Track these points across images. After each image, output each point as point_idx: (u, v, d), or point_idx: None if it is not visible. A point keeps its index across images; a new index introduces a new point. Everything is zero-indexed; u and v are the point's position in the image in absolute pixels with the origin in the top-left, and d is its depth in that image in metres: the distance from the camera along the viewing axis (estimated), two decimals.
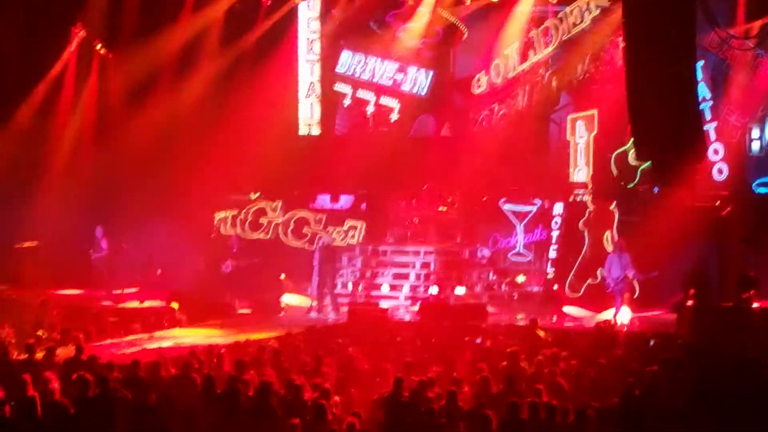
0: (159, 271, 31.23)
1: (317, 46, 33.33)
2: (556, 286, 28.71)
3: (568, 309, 27.62)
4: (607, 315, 26.25)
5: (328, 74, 33.29)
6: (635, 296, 26.84)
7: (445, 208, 30.97)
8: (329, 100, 33.52)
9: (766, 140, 29.74)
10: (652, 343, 21.73)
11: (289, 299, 29.92)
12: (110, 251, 30.67)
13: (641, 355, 19.87)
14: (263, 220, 32.42)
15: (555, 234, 29.70)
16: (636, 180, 29.04)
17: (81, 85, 33.23)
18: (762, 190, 29.45)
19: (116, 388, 15.68)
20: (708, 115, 28.77)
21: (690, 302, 24.06)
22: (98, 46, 33.15)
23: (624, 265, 26.18)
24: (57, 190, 31.50)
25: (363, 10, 32.83)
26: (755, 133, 29.81)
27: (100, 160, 32.28)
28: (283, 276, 30.48)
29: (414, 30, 32.68)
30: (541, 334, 22.42)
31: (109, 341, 23.85)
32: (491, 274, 30.45)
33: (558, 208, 29.84)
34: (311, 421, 14.58)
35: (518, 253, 30.95)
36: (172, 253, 30.94)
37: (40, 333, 23.18)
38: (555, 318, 26.64)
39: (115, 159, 31.77)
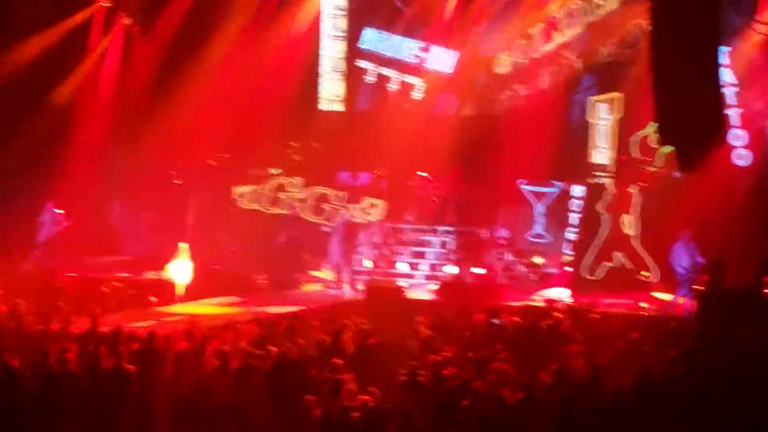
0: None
1: (341, 22, 33.30)
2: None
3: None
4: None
5: (351, 50, 33.23)
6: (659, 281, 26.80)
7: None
8: (351, 76, 33.46)
9: None
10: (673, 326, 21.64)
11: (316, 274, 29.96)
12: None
13: (658, 339, 19.80)
14: (282, 196, 32.37)
15: (574, 216, 29.61)
16: (657, 164, 28.87)
17: (104, 56, 33.33)
18: None
19: (129, 361, 15.72)
20: (733, 101, 28.57)
21: (701, 287, 23.90)
22: (124, 19, 33.21)
23: (692, 253, 25.61)
24: (81, 163, 31.63)
25: None
26: None
27: (123, 133, 32.41)
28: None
29: (439, 8, 32.56)
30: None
31: (125, 313, 23.84)
32: (510, 255, 30.34)
33: (577, 190, 29.72)
34: (325, 397, 14.59)
35: (537, 235, 30.87)
36: (193, 226, 30.96)
37: (61, 304, 23.12)
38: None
39: (137, 133, 31.90)
